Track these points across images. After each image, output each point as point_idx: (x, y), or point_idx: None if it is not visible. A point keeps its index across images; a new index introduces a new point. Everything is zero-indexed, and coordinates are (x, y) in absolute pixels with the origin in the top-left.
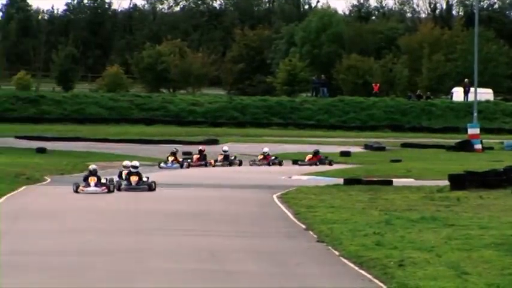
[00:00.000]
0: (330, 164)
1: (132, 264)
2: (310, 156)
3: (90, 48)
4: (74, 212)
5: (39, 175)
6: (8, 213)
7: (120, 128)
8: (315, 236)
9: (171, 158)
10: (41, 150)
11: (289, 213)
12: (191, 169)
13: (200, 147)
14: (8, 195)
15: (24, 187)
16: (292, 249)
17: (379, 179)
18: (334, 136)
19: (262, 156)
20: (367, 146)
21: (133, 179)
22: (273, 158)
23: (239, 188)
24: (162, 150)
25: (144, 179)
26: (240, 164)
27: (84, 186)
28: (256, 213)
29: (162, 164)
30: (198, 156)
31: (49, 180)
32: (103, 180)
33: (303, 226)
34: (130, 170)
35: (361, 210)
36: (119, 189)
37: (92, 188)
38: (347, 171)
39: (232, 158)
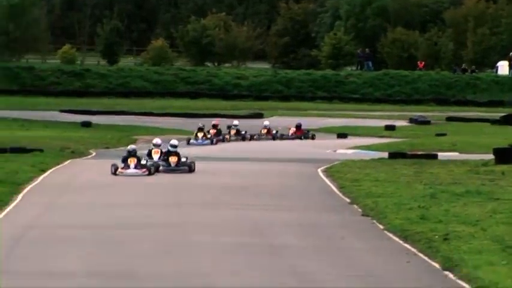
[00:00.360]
0: (313, 138)
1: (176, 238)
2: (293, 130)
3: (135, 21)
4: (117, 186)
5: (84, 149)
6: (53, 187)
7: (164, 102)
8: (360, 209)
9: (200, 134)
10: (86, 124)
11: (333, 187)
12: (226, 144)
13: (214, 121)
14: (54, 168)
15: (69, 161)
16: (336, 223)
17: (424, 153)
18: (379, 110)
19: (294, 130)
20: (412, 120)
21: (173, 159)
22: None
23: (283, 161)
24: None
25: (183, 159)
26: (251, 138)
27: (123, 168)
28: (300, 186)
29: (192, 141)
30: (215, 131)
31: (94, 154)
32: (143, 162)
33: (348, 200)
34: (168, 150)
35: (406, 184)
36: (157, 171)
37: (132, 170)
38: (391, 145)
39: (243, 132)
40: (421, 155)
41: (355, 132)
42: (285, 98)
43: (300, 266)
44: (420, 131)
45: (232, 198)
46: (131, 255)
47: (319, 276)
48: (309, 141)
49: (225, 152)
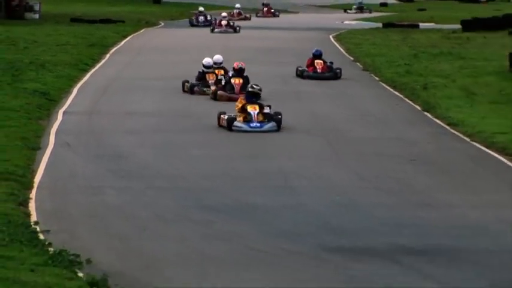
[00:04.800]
0: None
1: None
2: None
3: None
4: (179, 48)
5: (155, 20)
6: (133, 49)
7: None
8: (361, 66)
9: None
10: (157, 1)
11: (341, 49)
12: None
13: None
14: (132, 35)
15: (143, 29)
16: (344, 75)
17: (409, 23)
18: None
19: (266, 9)
20: None
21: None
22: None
23: (303, 30)
24: None
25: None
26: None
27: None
28: (312, 47)
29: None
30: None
31: (162, 24)
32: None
33: (352, 58)
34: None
35: (395, 47)
36: None
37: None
38: (384, 18)
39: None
40: (407, 25)
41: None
42: None
43: (317, 108)
44: (406, 7)
45: (264, 57)
46: (190, 98)
47: (332, 115)
48: (321, 14)
49: (257, 23)
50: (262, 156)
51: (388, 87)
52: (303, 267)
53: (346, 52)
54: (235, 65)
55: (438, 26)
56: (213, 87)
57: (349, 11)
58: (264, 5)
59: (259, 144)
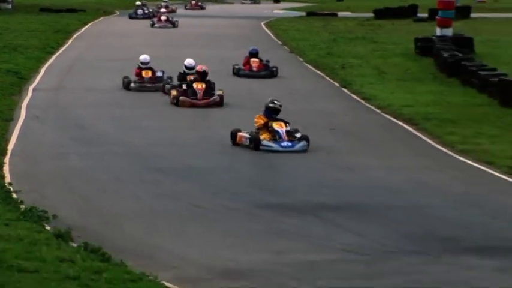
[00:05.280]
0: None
1: (172, 46)
2: None
3: None
4: (132, 34)
5: (111, 9)
6: (92, 34)
7: None
8: (288, 49)
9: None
10: None
11: (271, 34)
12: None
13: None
14: (92, 22)
15: (101, 18)
16: (274, 57)
17: (329, 12)
18: None
19: (194, 2)
20: None
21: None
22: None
23: (237, 18)
24: None
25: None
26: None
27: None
28: (250, 34)
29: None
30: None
31: (118, 13)
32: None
33: (280, 42)
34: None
35: (317, 32)
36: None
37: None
38: (308, 8)
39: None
40: (327, 13)
41: None
42: None
43: (252, 85)
44: None
45: (204, 42)
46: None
47: (265, 92)
48: (255, 4)
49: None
50: (204, 126)
51: (311, 67)
52: (239, 222)
53: (275, 37)
54: (198, 68)
55: (354, 15)
56: (173, 92)
57: (244, 1)
58: None
59: (201, 116)
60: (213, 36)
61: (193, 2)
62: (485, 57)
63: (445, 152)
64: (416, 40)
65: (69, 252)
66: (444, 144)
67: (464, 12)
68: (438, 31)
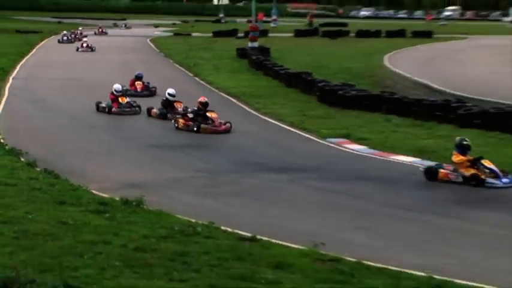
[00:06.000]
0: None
1: (98, 60)
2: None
3: None
4: (65, 47)
5: (60, 30)
6: (48, 46)
7: None
8: (163, 54)
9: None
10: (60, 22)
11: (153, 45)
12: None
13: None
14: (47, 39)
15: (53, 36)
16: (154, 59)
17: (187, 33)
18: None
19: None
20: (184, 21)
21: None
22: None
23: (130, 36)
24: None
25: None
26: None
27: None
28: (139, 47)
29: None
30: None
31: (65, 32)
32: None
33: (158, 50)
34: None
35: (180, 44)
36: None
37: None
38: (174, 30)
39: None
40: (186, 34)
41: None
42: None
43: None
44: (185, 25)
45: (112, 54)
46: (80, 71)
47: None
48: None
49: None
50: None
51: (176, 65)
52: (137, 155)
53: (155, 47)
54: (201, 99)
55: (201, 35)
56: (181, 120)
57: (121, 28)
58: (99, 26)
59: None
60: (121, 47)
61: (100, 29)
62: (277, 59)
63: (255, 114)
64: (237, 49)
65: (35, 173)
66: (255, 109)
67: (265, 33)
68: (250, 44)
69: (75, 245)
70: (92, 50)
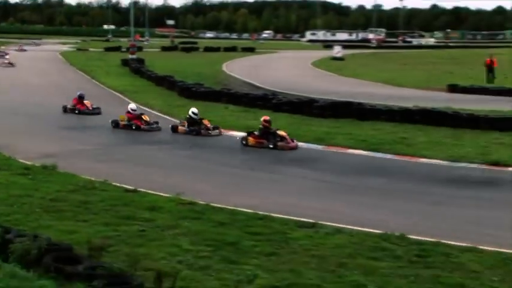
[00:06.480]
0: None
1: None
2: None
3: None
4: (29, 58)
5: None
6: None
7: None
8: (69, 63)
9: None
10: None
11: (62, 57)
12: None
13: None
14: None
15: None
16: (62, 67)
17: (85, 48)
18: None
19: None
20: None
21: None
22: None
23: (46, 51)
24: None
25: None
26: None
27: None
28: (51, 58)
29: None
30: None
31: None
32: None
33: (65, 60)
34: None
35: (81, 56)
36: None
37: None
38: (77, 46)
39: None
40: (85, 49)
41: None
42: None
43: (55, 80)
44: (86, 43)
45: (31, 64)
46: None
47: (60, 83)
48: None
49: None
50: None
51: (79, 71)
52: (55, 134)
53: (64, 58)
54: (265, 118)
55: (96, 49)
56: (181, 127)
57: (36, 44)
58: (20, 44)
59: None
60: (36, 60)
61: (20, 47)
62: (149, 67)
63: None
64: (122, 60)
65: None
66: (134, 100)
67: (140, 49)
68: (130, 56)
69: (7, 198)
70: (13, 66)
